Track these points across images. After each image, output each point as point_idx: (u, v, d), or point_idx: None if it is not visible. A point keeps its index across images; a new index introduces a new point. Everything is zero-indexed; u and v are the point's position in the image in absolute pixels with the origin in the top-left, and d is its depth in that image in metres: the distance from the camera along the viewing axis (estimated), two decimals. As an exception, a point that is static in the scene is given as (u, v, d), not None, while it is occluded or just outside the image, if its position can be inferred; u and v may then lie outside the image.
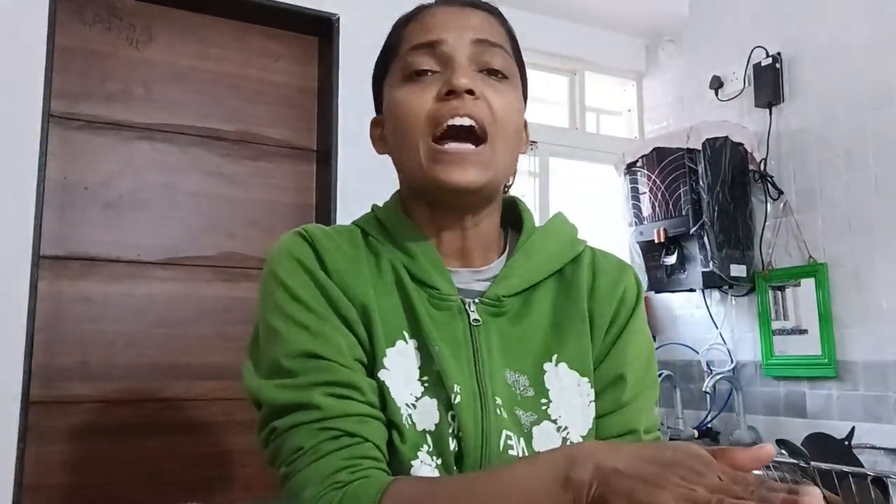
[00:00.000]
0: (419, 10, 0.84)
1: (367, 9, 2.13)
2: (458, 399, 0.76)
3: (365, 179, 2.06)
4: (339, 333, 0.75)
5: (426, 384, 0.76)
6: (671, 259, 2.33)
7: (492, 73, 0.80)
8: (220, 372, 1.98)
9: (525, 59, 0.88)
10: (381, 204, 0.89)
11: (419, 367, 0.77)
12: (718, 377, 2.30)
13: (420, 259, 0.81)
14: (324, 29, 2.18)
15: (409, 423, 0.74)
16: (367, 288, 0.78)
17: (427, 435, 0.75)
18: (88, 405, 1.83)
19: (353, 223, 0.87)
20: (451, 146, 0.76)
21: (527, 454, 0.77)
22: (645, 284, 2.38)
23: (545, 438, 0.79)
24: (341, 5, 2.14)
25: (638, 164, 2.44)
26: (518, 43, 0.87)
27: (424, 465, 0.73)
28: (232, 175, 2.08)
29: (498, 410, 0.77)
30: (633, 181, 2.46)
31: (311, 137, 2.20)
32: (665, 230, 2.31)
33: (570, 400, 0.81)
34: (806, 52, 2.23)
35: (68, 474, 1.79)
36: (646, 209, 2.41)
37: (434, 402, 0.76)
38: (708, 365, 2.43)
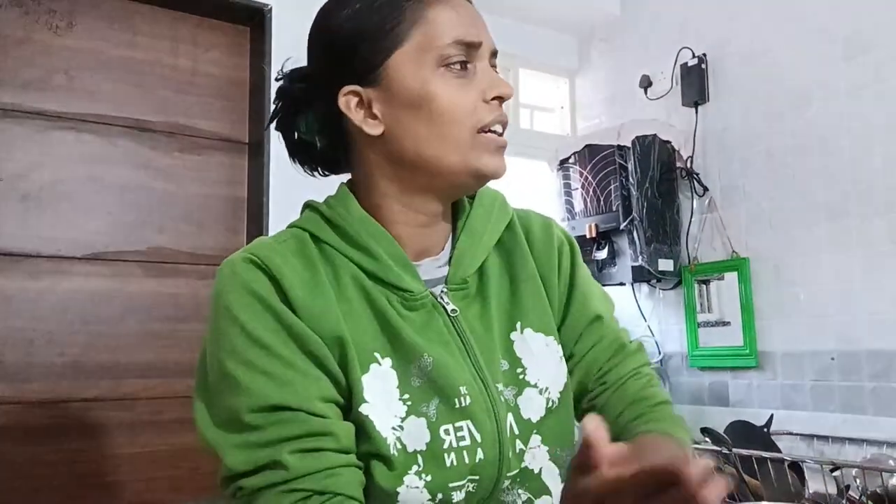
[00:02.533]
0: None
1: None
2: (467, 401, 0.75)
3: (297, 173, 2.03)
4: (307, 378, 0.71)
5: (409, 402, 0.74)
6: (602, 254, 2.38)
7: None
8: (148, 370, 1.92)
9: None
10: (319, 200, 0.83)
11: (398, 387, 0.75)
12: (642, 344, 2.36)
13: (384, 259, 0.78)
14: (255, 19, 2.14)
15: (399, 446, 0.72)
16: (335, 316, 0.74)
17: (418, 455, 0.73)
18: (6, 406, 1.75)
19: (297, 226, 0.82)
20: (498, 136, 0.79)
21: (517, 432, 0.78)
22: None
23: (530, 404, 0.80)
24: (274, -5, 2.10)
25: (570, 161, 2.48)
26: None
27: (411, 489, 0.72)
28: (161, 168, 2.01)
29: (502, 397, 0.78)
30: (566, 177, 2.50)
31: (243, 129, 2.15)
32: (596, 225, 2.36)
33: (543, 361, 0.83)
34: (730, 54, 2.31)
35: (-16, 479, 1.71)
36: (578, 205, 2.45)
37: (422, 421, 0.74)
38: (637, 356, 2.49)
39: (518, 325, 0.84)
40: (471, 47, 0.78)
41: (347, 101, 0.78)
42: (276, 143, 2.05)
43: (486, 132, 0.78)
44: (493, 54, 0.81)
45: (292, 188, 2.02)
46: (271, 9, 2.10)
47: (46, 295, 1.83)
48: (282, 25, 2.10)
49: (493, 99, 0.78)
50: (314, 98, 0.83)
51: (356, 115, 0.78)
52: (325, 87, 0.80)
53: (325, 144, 0.85)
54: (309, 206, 0.84)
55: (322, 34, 0.82)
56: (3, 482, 1.72)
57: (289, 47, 2.10)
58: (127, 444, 1.87)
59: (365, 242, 0.78)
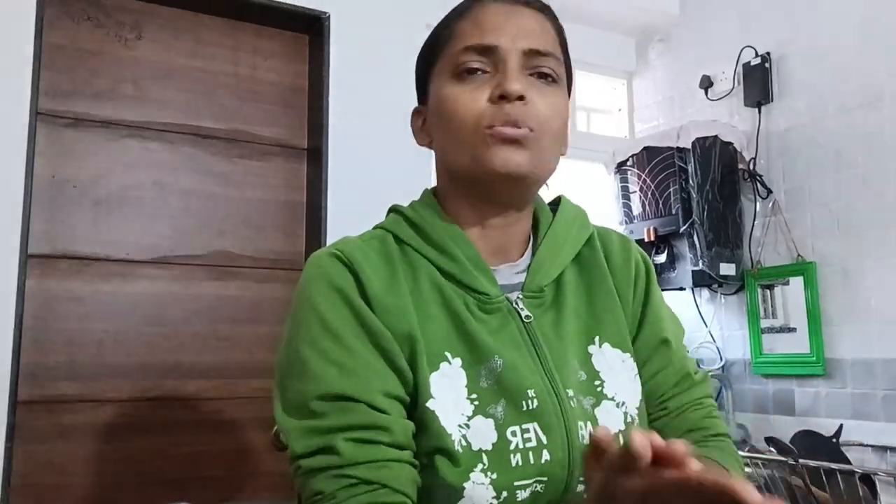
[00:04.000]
0: (470, 5, 0.83)
1: (357, 7, 2.12)
2: (535, 404, 0.76)
3: (355, 177, 2.06)
4: (373, 372, 0.74)
5: (476, 402, 0.76)
6: (661, 258, 2.34)
7: (541, 76, 0.80)
8: (210, 371, 1.97)
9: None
10: (405, 204, 0.87)
11: (466, 386, 0.77)
12: (708, 375, 2.31)
13: (462, 261, 0.81)
14: (314, 27, 2.18)
15: (464, 443, 0.74)
16: (409, 314, 0.77)
17: (483, 454, 0.74)
18: (77, 404, 1.82)
19: (382, 227, 0.85)
20: (508, 129, 0.76)
21: None
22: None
23: (608, 417, 0.81)
24: (331, 3, 2.13)
25: (628, 164, 2.45)
26: (567, 43, 0.87)
27: (477, 486, 0.73)
28: (223, 173, 2.07)
29: (572, 402, 0.79)
30: (624, 180, 2.47)
31: (302, 135, 2.19)
32: (655, 229, 2.32)
33: (620, 376, 0.84)
34: (795, 52, 2.25)
35: (56, 474, 1.78)
36: (636, 208, 2.42)
37: (490, 422, 0.75)
38: (698, 363, 2.43)
39: (596, 339, 0.85)
40: (486, 51, 0.78)
41: (415, 120, 0.88)
42: (334, 149, 2.10)
43: (493, 130, 0.77)
44: (532, 55, 0.79)
45: (350, 192, 2.06)
46: (329, 17, 2.14)
47: (115, 297, 1.90)
48: (340, 33, 2.13)
49: (501, 98, 0.77)
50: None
51: (414, 130, 0.88)
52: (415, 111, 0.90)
53: None
54: (394, 209, 0.88)
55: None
56: (71, 477, 1.79)
57: (347, 54, 2.16)
58: (189, 442, 1.93)
59: (444, 244, 0.81)
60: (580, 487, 0.78)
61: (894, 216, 1.97)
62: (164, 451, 1.89)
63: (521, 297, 0.82)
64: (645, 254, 0.94)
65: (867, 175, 2.03)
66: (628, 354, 0.86)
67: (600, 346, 0.84)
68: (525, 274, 0.84)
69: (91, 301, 1.87)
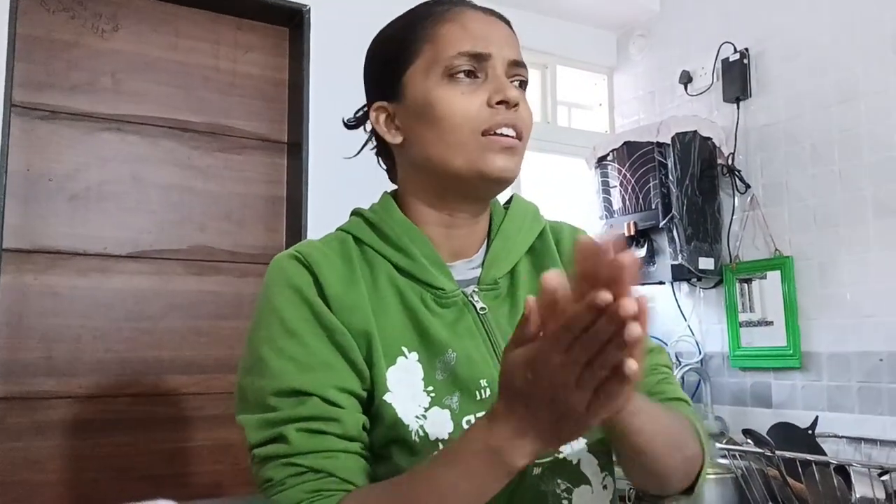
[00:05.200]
0: (449, 9, 0.85)
1: (338, 0, 2.11)
2: (487, 393, 0.79)
3: (336, 171, 2.05)
4: (328, 367, 0.77)
5: (433, 394, 0.79)
6: (641, 252, 2.35)
7: (521, 84, 0.86)
8: (190, 367, 1.96)
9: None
10: (366, 207, 0.90)
11: (423, 379, 0.79)
12: (687, 368, 2.33)
13: (419, 259, 0.84)
14: (294, 20, 2.16)
15: (421, 434, 0.77)
16: (366, 311, 0.80)
17: (440, 443, 0.77)
18: (54, 401, 1.80)
19: (342, 229, 0.88)
20: (504, 136, 0.81)
21: None
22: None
23: None
24: (312, -4, 2.12)
25: (608, 158, 2.46)
26: None
27: None
28: (202, 167, 2.05)
29: None
30: (604, 175, 2.48)
31: (282, 129, 2.18)
32: (635, 223, 2.34)
33: None
34: (773, 48, 2.27)
35: (35, 472, 1.76)
36: (616, 202, 2.43)
37: (446, 412, 0.78)
38: (677, 356, 2.46)
39: None
40: (479, 58, 0.82)
41: (377, 116, 0.87)
42: (315, 143, 2.09)
43: (491, 135, 0.80)
44: (514, 65, 0.84)
45: (331, 187, 2.05)
46: (310, 10, 2.12)
47: (93, 292, 1.88)
48: (320, 26, 2.12)
49: (500, 103, 0.81)
50: (365, 115, 0.92)
51: (382, 128, 0.87)
52: (369, 104, 0.90)
53: (387, 164, 0.95)
54: (355, 212, 0.91)
55: (365, 63, 0.92)
56: (50, 474, 1.77)
57: (327, 48, 2.14)
58: (169, 438, 1.91)
59: (402, 243, 0.84)
60: (536, 471, 0.80)
61: (870, 211, 1.99)
62: (142, 448, 1.88)
63: (476, 290, 0.86)
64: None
65: (843, 170, 2.06)
66: None
67: None
68: (480, 269, 0.87)
69: (68, 296, 1.85)
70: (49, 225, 1.85)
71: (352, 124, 0.96)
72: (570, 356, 0.54)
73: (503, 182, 0.83)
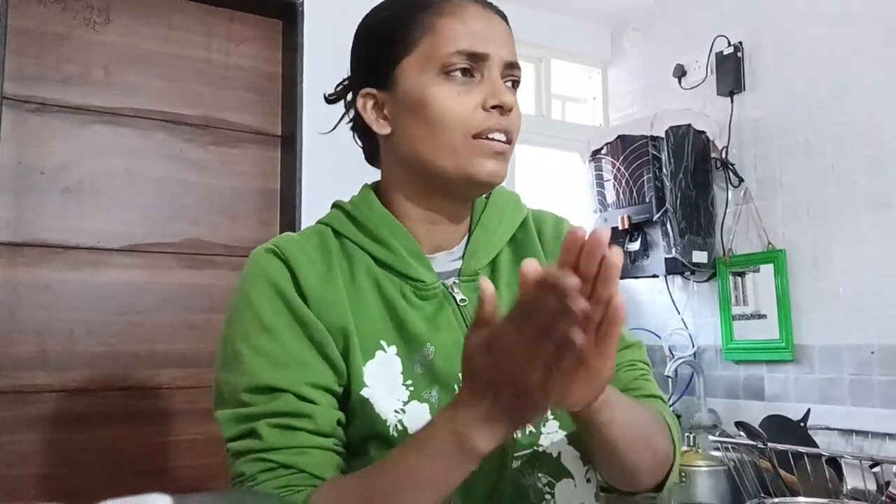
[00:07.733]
0: (449, 1, 0.83)
1: (332, -8, 2.11)
2: None
3: (329, 165, 2.05)
4: (303, 363, 0.76)
5: (411, 388, 0.78)
6: (635, 245, 2.36)
7: (514, 84, 0.85)
8: (183, 360, 1.95)
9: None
10: (346, 200, 0.89)
11: (402, 373, 0.79)
12: (680, 361, 2.34)
13: (399, 251, 0.83)
14: (287, 12, 2.15)
15: (400, 428, 0.76)
16: (343, 307, 0.79)
17: None
18: (48, 395, 1.79)
19: (322, 222, 0.87)
20: (496, 141, 0.80)
21: None
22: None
23: None
24: (306, -11, 2.11)
25: (602, 152, 2.46)
26: None
27: None
28: (196, 160, 2.04)
29: None
30: (598, 168, 2.48)
31: (276, 122, 2.17)
32: (629, 217, 2.34)
33: None
34: (767, 42, 2.27)
35: (29, 465, 1.75)
36: (610, 196, 2.43)
37: (425, 406, 0.78)
38: (670, 349, 2.47)
39: None
40: (476, 58, 0.80)
41: (364, 103, 0.84)
42: (308, 136, 2.08)
43: (483, 138, 0.79)
44: (509, 66, 0.83)
45: (324, 180, 2.04)
46: (303, 2, 2.11)
47: (86, 286, 1.87)
48: (313, 19, 2.11)
49: (494, 107, 0.80)
50: (346, 89, 0.90)
51: (369, 116, 0.84)
52: (354, 90, 0.87)
53: (364, 144, 0.92)
54: (335, 205, 0.90)
55: (354, 40, 0.88)
56: (43, 468, 1.77)
57: (320, 40, 2.13)
58: (163, 432, 1.91)
59: (382, 235, 0.83)
60: (515, 464, 0.80)
61: (862, 205, 2.00)
62: (136, 441, 1.88)
63: (456, 281, 0.85)
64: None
65: (836, 164, 2.06)
66: None
67: None
68: (461, 260, 0.87)
69: (61, 290, 1.84)
70: (41, 218, 1.84)
71: (332, 98, 0.93)
72: (523, 333, 0.55)
73: (490, 186, 0.83)
